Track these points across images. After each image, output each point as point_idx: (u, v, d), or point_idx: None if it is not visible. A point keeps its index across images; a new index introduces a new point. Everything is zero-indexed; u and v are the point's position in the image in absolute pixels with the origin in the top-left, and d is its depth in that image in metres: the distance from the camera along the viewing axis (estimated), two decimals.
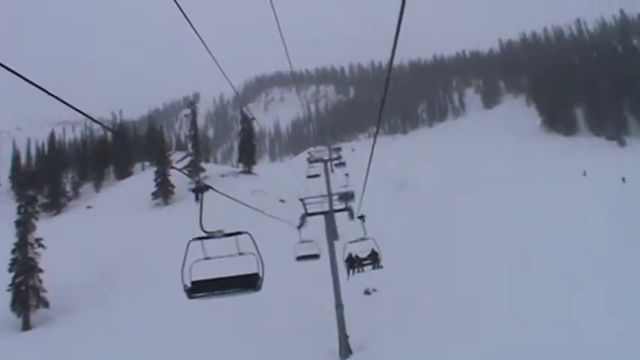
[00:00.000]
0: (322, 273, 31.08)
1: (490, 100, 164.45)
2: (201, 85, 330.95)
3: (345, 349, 29.18)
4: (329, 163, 49.86)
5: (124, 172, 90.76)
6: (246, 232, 10.09)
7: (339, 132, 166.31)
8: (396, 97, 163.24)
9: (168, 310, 38.17)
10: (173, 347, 33.13)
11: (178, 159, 79.50)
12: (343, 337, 29.20)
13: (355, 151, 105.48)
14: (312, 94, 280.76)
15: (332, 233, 30.77)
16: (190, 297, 10.55)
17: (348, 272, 26.85)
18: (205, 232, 10.06)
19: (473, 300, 32.96)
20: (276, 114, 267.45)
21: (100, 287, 45.34)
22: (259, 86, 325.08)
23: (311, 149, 56.21)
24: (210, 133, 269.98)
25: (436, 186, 65.78)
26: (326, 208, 32.78)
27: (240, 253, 10.55)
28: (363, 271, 26.28)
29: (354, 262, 26.45)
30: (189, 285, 10.51)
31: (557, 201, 51.98)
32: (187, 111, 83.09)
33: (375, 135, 13.18)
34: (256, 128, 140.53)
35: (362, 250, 25.41)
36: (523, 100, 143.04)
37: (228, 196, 13.76)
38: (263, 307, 36.09)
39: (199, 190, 10.54)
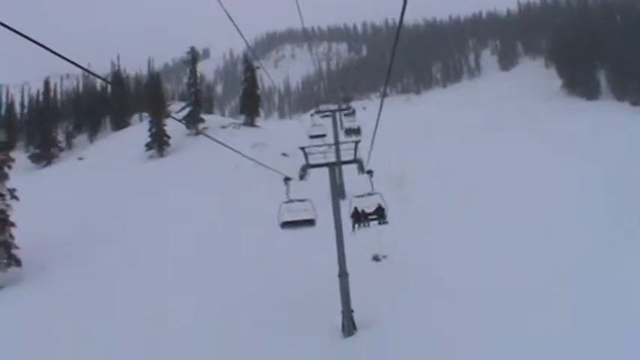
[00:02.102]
0: (324, 236, 26.17)
1: (507, 61, 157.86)
2: (211, 42, 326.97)
3: (350, 325, 24.70)
4: (338, 115, 45.49)
5: (120, 124, 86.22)
6: None
7: (351, 90, 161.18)
8: (410, 57, 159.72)
9: (153, 272, 34.48)
10: (153, 313, 28.72)
11: (177, 109, 74.84)
12: (347, 312, 24.64)
13: (367, 109, 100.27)
14: (323, 51, 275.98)
15: (337, 189, 25.83)
16: None
17: (354, 227, 25.45)
18: None
19: (492, 271, 29.14)
20: (287, 71, 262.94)
21: (80, 244, 40.76)
22: (270, 43, 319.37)
23: (321, 106, 51.08)
24: (219, 89, 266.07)
25: (450, 146, 60.76)
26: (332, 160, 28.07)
27: None
28: (368, 225, 24.80)
29: (359, 217, 25.00)
30: None
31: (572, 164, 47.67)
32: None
33: (386, 83, 9.82)
34: (265, 82, 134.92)
35: (368, 205, 23.97)
36: (541, 62, 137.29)
37: (221, 143, 13.62)
38: (255, 275, 31.98)
39: None
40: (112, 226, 42.79)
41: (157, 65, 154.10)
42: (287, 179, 22.23)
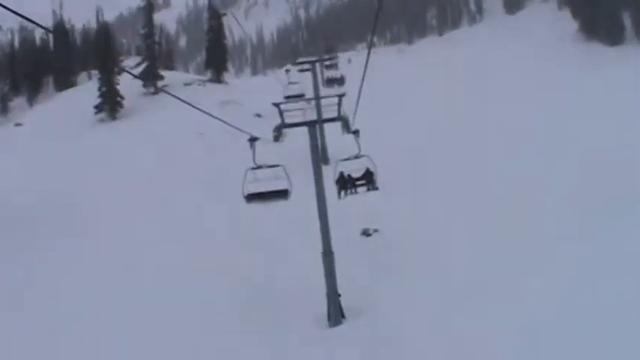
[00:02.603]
0: (306, 209, 25.26)
1: (513, 3, 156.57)
2: None
3: (336, 312, 23.65)
4: (318, 67, 44.39)
5: (65, 83, 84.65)
6: None
7: (334, 40, 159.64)
8: (402, 2, 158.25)
9: (108, 257, 33.24)
10: (113, 305, 27.64)
11: (132, 65, 73.55)
12: (333, 296, 23.61)
13: (352, 62, 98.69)
14: None
15: (318, 152, 24.78)
16: None
17: (339, 193, 24.14)
18: None
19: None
20: (259, 21, 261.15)
21: (20, 224, 39.69)
22: None
23: (301, 59, 49.79)
24: (183, 42, 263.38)
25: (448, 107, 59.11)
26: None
27: None
28: (356, 192, 23.70)
29: (346, 183, 23.94)
30: None
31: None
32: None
33: (373, 31, 13.04)
34: (235, 35, 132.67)
35: (355, 170, 23.16)
36: (554, 4, 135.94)
37: (183, 101, 13.69)
38: (224, 258, 30.94)
39: None
40: (56, 203, 41.63)
41: (110, 16, 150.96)
42: (253, 139, 20.90)
